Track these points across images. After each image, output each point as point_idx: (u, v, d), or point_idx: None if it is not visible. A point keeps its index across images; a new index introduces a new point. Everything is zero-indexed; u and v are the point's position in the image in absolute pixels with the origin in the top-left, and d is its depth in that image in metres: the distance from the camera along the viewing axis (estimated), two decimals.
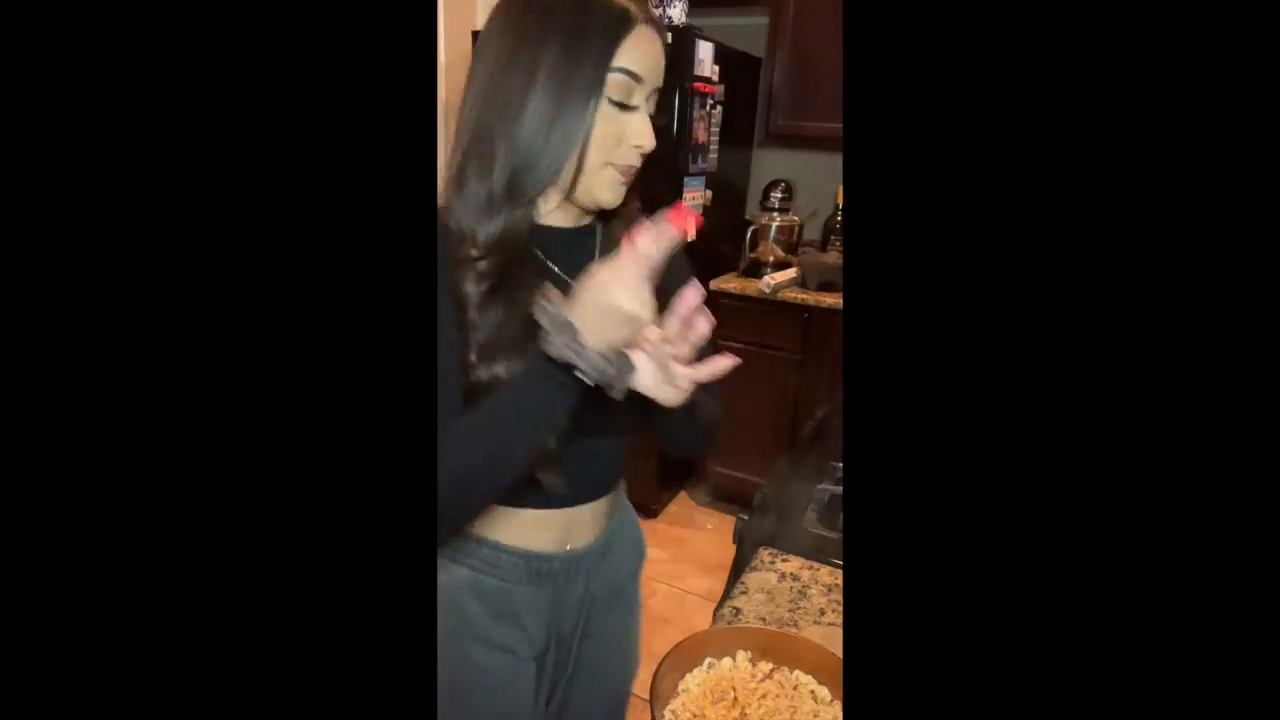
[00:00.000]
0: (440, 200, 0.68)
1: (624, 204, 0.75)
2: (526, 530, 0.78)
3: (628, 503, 0.95)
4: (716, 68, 2.11)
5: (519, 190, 0.65)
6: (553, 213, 0.71)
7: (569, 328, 0.55)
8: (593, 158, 0.65)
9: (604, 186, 0.67)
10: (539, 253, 0.70)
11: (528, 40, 0.63)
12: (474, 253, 0.65)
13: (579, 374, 0.57)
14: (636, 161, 0.67)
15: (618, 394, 0.58)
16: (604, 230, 0.77)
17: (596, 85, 0.63)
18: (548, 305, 0.57)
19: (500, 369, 0.64)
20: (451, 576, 0.78)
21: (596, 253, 0.75)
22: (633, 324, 0.55)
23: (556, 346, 0.56)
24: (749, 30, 2.42)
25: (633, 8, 0.63)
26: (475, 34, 2.26)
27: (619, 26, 0.62)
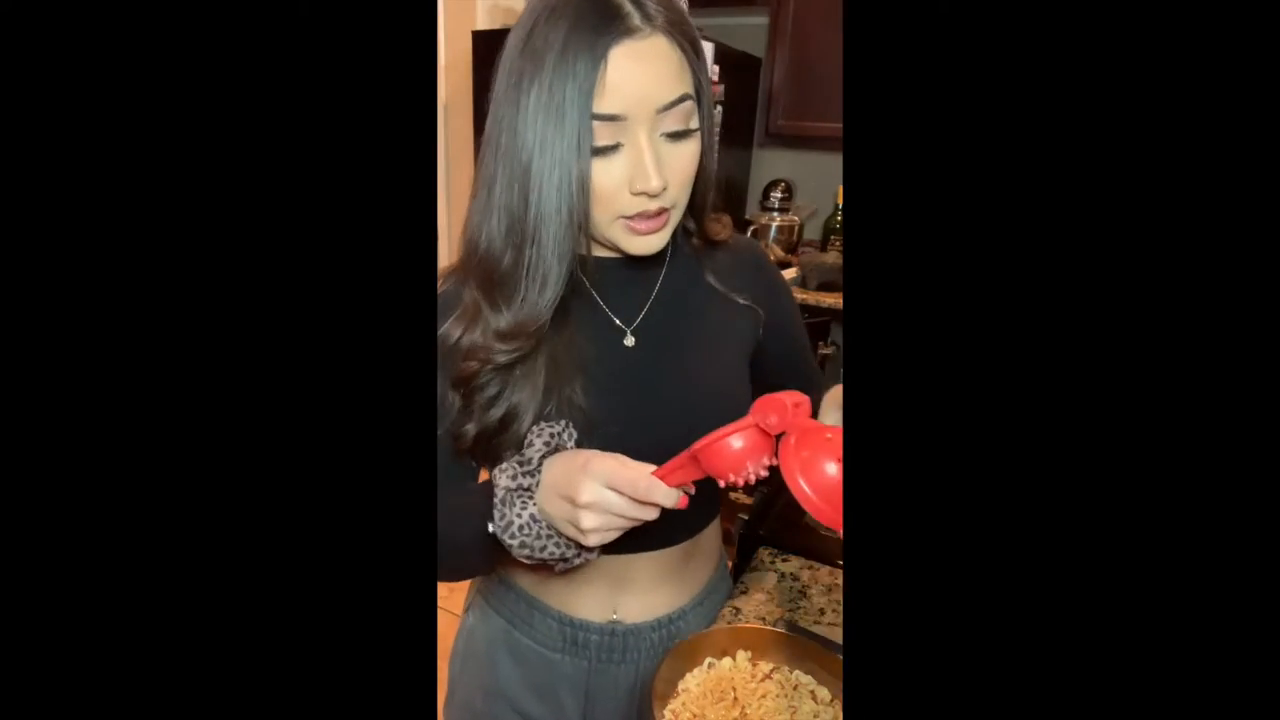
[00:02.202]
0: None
1: (703, 231, 0.64)
2: (561, 583, 0.64)
3: (722, 570, 0.74)
4: (716, 68, 2.11)
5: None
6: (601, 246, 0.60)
7: (523, 494, 0.50)
8: (596, 214, 0.54)
9: (624, 240, 0.56)
10: (587, 283, 0.60)
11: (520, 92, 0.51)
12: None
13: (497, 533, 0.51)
14: (648, 206, 0.53)
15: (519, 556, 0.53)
16: (672, 264, 0.63)
17: (576, 139, 0.50)
18: (520, 474, 0.51)
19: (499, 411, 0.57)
20: (488, 626, 0.68)
21: (655, 290, 0.63)
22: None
23: (498, 520, 0.50)
24: (749, 30, 2.42)
25: (618, 19, 0.49)
26: (475, 34, 2.26)
27: (591, 62, 0.49)
